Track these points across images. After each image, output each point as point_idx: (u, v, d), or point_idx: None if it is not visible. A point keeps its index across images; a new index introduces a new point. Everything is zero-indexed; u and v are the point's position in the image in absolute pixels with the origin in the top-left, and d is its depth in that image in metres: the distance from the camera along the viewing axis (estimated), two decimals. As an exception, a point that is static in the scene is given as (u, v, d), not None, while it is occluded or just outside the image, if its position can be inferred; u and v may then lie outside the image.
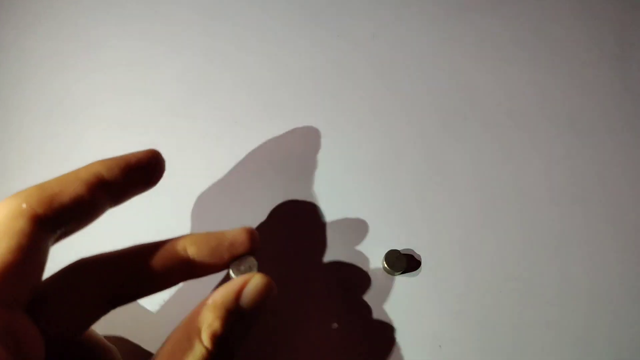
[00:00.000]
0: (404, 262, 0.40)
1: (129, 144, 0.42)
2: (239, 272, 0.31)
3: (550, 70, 0.50)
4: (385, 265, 0.40)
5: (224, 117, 0.45)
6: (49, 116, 0.44)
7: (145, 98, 0.45)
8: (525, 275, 0.42)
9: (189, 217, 0.41)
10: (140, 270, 0.27)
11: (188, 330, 0.25)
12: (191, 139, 0.44)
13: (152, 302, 0.38)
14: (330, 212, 0.42)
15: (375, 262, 0.41)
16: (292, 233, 0.42)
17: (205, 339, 0.25)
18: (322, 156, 0.45)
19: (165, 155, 0.30)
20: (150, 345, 0.37)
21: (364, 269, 0.41)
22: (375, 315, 0.40)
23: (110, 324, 0.35)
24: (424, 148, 0.45)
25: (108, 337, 0.35)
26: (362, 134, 0.46)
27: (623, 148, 0.47)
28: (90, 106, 0.44)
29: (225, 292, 0.26)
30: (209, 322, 0.25)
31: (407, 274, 0.41)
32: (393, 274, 0.40)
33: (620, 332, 0.41)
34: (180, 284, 0.35)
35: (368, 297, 0.40)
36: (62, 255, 0.27)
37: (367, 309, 0.40)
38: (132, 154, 0.27)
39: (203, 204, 0.42)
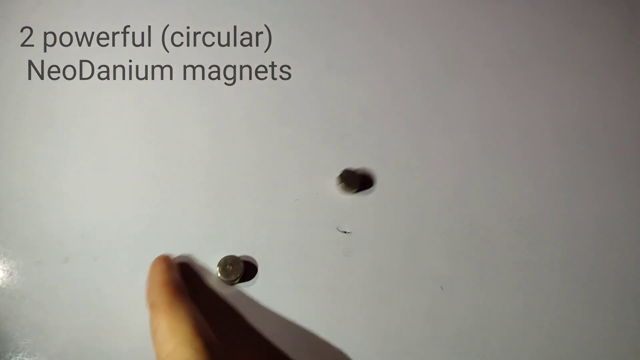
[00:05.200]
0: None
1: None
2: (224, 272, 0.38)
3: (551, 8, 0.50)
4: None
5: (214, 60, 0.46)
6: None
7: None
8: (528, 216, 0.42)
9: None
10: None
11: None
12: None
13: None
14: (330, 157, 0.43)
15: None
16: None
17: None
18: (317, 100, 0.45)
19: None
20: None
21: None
22: (376, 258, 0.40)
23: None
24: (424, 89, 0.45)
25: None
26: (361, 76, 0.46)
27: (627, 86, 0.47)
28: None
29: None
30: None
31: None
32: None
33: (625, 271, 0.41)
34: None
35: (369, 240, 0.40)
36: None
37: (366, 250, 0.40)
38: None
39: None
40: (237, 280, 0.39)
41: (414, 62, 0.47)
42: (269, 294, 0.39)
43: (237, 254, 0.39)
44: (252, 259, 0.40)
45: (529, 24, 0.48)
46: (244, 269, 0.39)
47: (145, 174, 0.42)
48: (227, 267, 0.38)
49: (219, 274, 0.38)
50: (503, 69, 0.46)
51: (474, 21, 0.48)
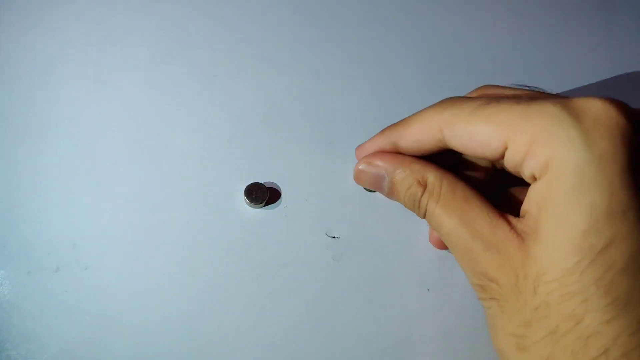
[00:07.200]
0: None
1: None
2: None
3: (532, 16, 0.51)
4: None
5: (203, 68, 0.46)
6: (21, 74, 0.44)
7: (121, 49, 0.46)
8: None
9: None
10: None
11: None
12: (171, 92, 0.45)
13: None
14: (317, 163, 0.44)
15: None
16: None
17: None
18: (304, 108, 0.46)
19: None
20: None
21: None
22: (362, 260, 0.41)
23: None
24: (407, 100, 0.46)
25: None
26: (347, 84, 0.47)
27: (605, 88, 0.48)
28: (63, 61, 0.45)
29: None
30: None
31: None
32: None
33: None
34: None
35: (356, 241, 0.41)
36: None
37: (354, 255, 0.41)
38: None
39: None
40: None
41: (399, 70, 0.48)
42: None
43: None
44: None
45: (511, 32, 0.50)
46: None
47: (137, 182, 0.42)
48: None
49: None
50: (485, 76, 0.48)
51: (456, 31, 0.50)
